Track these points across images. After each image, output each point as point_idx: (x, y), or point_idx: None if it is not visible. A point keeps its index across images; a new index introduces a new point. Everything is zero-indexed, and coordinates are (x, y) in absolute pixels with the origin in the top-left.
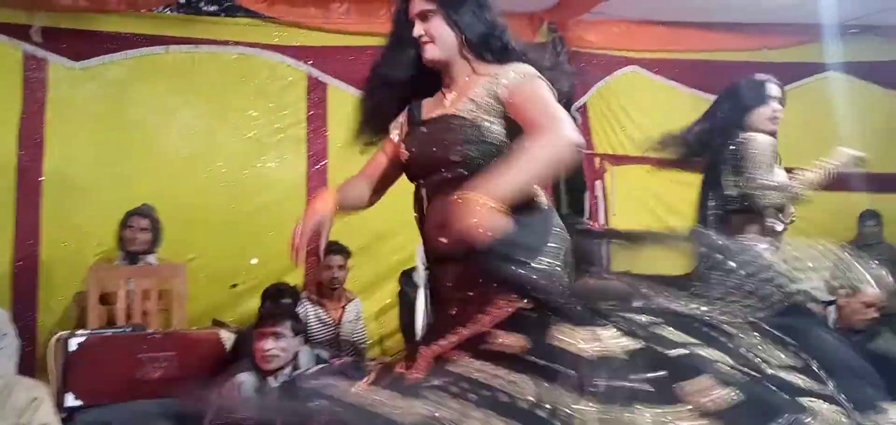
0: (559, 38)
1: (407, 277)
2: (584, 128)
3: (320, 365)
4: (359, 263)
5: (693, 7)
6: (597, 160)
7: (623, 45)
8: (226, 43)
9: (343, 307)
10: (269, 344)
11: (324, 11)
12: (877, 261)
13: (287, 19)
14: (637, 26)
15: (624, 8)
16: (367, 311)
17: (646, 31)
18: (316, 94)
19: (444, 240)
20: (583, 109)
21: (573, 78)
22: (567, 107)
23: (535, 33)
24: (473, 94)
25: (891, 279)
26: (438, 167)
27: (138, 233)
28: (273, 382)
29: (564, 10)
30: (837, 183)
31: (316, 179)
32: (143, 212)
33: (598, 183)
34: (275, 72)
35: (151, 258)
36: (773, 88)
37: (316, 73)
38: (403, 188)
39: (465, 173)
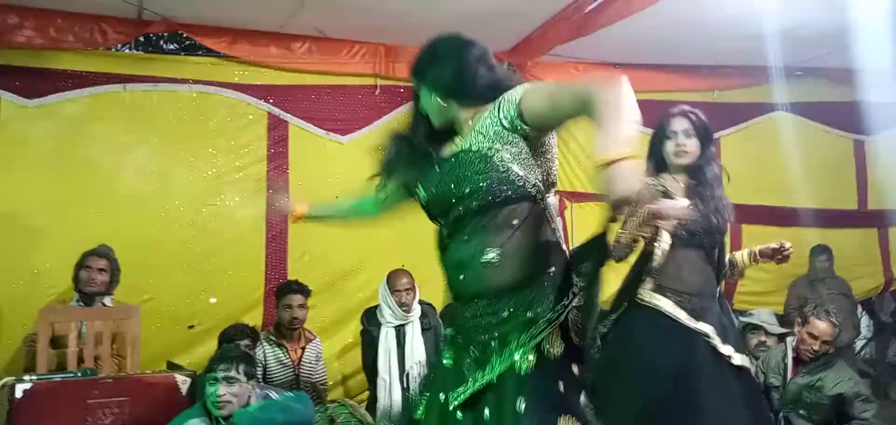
0: (518, 79)
1: (369, 315)
2: None
3: (265, 399)
4: (321, 301)
5: (647, 49)
6: (557, 197)
7: None
8: (185, 81)
9: (303, 347)
10: (221, 390)
11: (285, 50)
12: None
13: (248, 58)
14: (594, 68)
15: (581, 50)
16: (330, 351)
17: (602, 73)
18: (277, 133)
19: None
20: None
21: None
22: None
23: None
24: (480, 126)
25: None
26: (453, 203)
27: (96, 274)
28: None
29: (523, 52)
30: (789, 219)
31: (276, 217)
32: (101, 252)
33: (558, 219)
34: (235, 110)
35: (108, 300)
36: (675, 122)
37: (277, 111)
38: (364, 227)
39: (477, 205)
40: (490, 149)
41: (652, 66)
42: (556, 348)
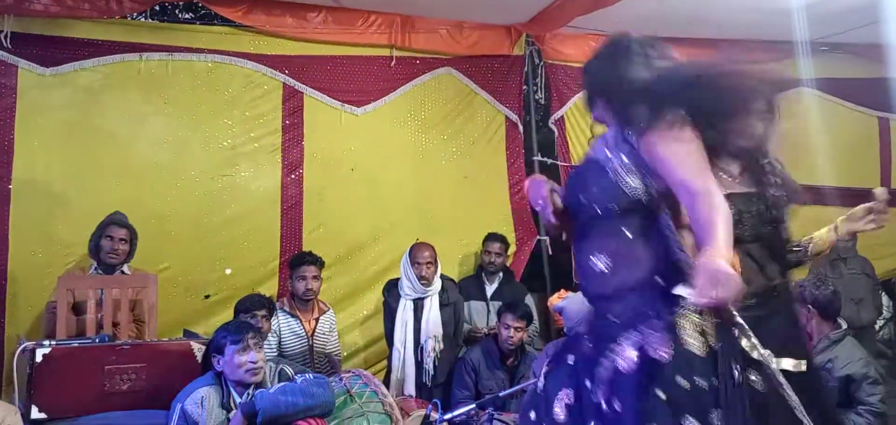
0: (537, 50)
1: (390, 288)
2: (562, 141)
3: (283, 383)
4: (336, 273)
5: (670, 22)
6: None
7: None
8: (201, 51)
9: (316, 318)
10: (255, 356)
11: (300, 21)
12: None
13: (263, 28)
14: None
15: (600, 22)
16: (348, 321)
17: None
18: (292, 104)
19: (700, 301)
20: (560, 122)
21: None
22: None
23: (513, 46)
24: (607, 136)
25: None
26: (575, 209)
27: (119, 244)
28: (237, 397)
29: (542, 23)
30: (812, 197)
31: (291, 189)
32: (121, 221)
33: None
34: (250, 80)
35: (126, 268)
36: None
37: (292, 82)
38: (379, 200)
39: (593, 213)
40: (607, 159)
41: (671, 39)
42: (664, 353)
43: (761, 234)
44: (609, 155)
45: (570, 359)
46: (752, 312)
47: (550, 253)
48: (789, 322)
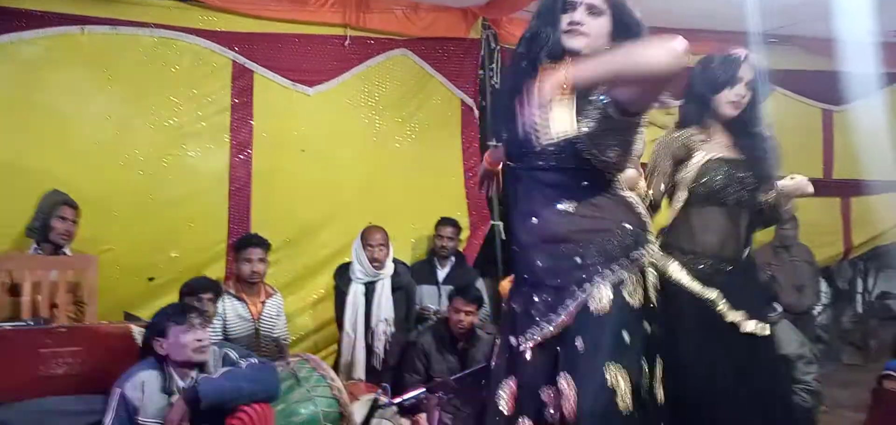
0: (493, 34)
1: (341, 271)
2: None
3: (227, 368)
4: (285, 257)
5: None
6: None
7: None
8: (147, 25)
9: (263, 301)
10: (201, 334)
11: None
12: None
13: (212, 3)
14: None
15: None
16: (298, 305)
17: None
18: (241, 82)
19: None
20: None
21: None
22: None
23: (469, 29)
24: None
25: None
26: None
27: (70, 225)
28: (180, 382)
29: (498, 7)
30: None
31: (240, 170)
32: (73, 202)
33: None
34: (198, 57)
35: (67, 250)
36: (745, 69)
37: (242, 59)
38: (331, 182)
39: (552, 162)
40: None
41: None
42: (634, 299)
43: (742, 200)
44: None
45: (512, 341)
46: (725, 275)
47: (503, 237)
48: (756, 286)
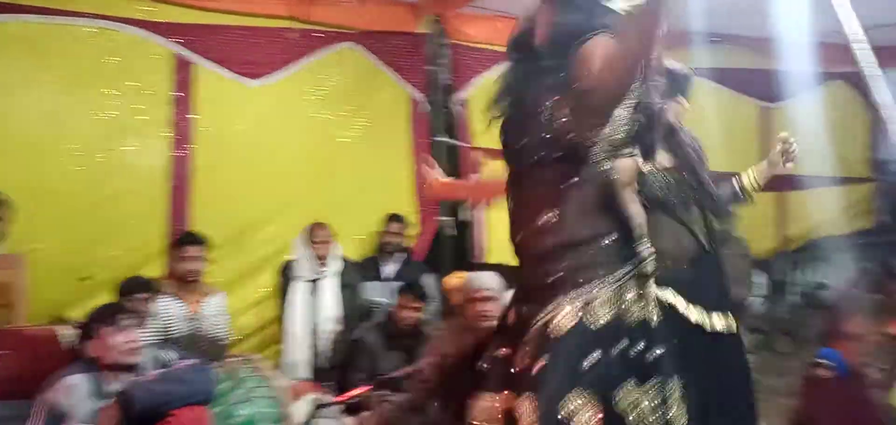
0: (441, 29)
1: (286, 269)
2: (466, 121)
3: (163, 370)
4: (227, 254)
5: None
6: (476, 154)
7: (501, 40)
8: (83, 15)
9: (203, 300)
10: (133, 335)
11: None
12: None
13: None
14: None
15: (503, 3)
16: (238, 304)
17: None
18: (182, 74)
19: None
20: (465, 102)
21: None
22: None
23: (417, 24)
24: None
25: None
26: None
27: (7, 225)
28: (114, 384)
29: (446, 2)
30: None
31: (180, 165)
32: (8, 200)
33: (473, 176)
34: (137, 48)
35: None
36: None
37: (183, 51)
38: (275, 177)
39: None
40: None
41: None
42: (601, 320)
43: (688, 199)
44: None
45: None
46: (685, 275)
47: (451, 234)
48: (718, 282)
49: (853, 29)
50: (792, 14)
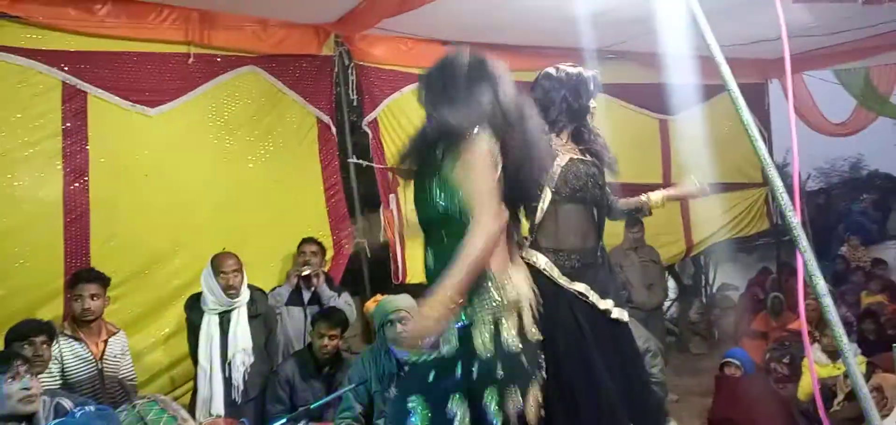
0: (346, 51)
1: (192, 303)
2: (376, 143)
3: (58, 419)
4: (131, 290)
5: (473, 28)
6: (390, 175)
7: (408, 61)
8: None
9: (105, 341)
10: (30, 383)
11: (83, 13)
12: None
13: (37, 19)
14: (422, 43)
15: (408, 25)
16: (149, 341)
17: (429, 49)
18: (73, 104)
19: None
20: (373, 124)
21: None
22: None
23: (322, 46)
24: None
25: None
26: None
27: None
28: None
29: (350, 24)
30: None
31: (75, 199)
32: None
33: (392, 196)
34: (24, 78)
35: None
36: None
37: (72, 79)
38: (179, 208)
39: (422, 221)
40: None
41: (478, 44)
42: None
43: (595, 197)
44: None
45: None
46: (587, 266)
47: (369, 255)
48: (612, 274)
49: (715, 47)
50: (681, 31)
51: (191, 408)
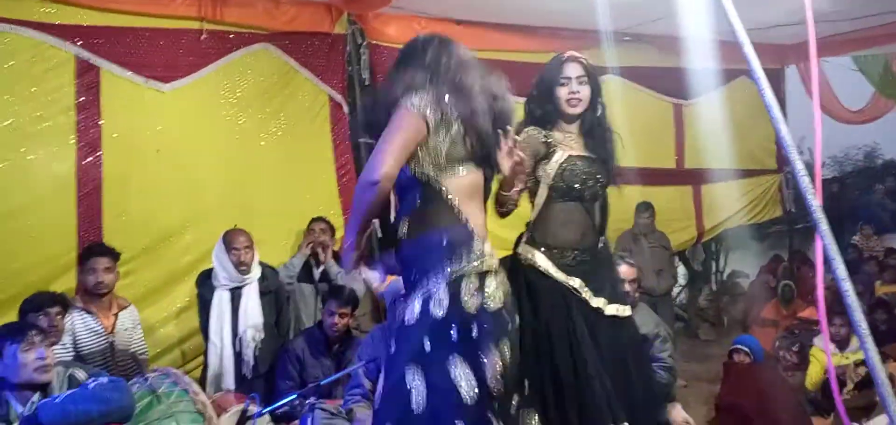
0: (359, 30)
1: (203, 278)
2: None
3: (72, 390)
4: (143, 265)
5: (489, 8)
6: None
7: None
8: None
9: (115, 314)
10: (43, 352)
11: None
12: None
13: None
14: (436, 23)
15: (422, 4)
16: (161, 315)
17: (443, 28)
18: (86, 79)
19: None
20: None
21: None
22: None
23: (334, 24)
24: None
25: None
26: None
27: None
28: (18, 407)
29: (362, 2)
30: (616, 177)
31: (88, 174)
32: None
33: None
34: (37, 52)
35: None
36: (569, 67)
37: (86, 54)
38: (191, 184)
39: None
40: None
41: (491, 24)
42: (439, 310)
43: (596, 194)
44: None
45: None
46: (586, 265)
47: (380, 236)
48: (613, 272)
49: (740, 30)
50: (700, 14)
51: (201, 383)
